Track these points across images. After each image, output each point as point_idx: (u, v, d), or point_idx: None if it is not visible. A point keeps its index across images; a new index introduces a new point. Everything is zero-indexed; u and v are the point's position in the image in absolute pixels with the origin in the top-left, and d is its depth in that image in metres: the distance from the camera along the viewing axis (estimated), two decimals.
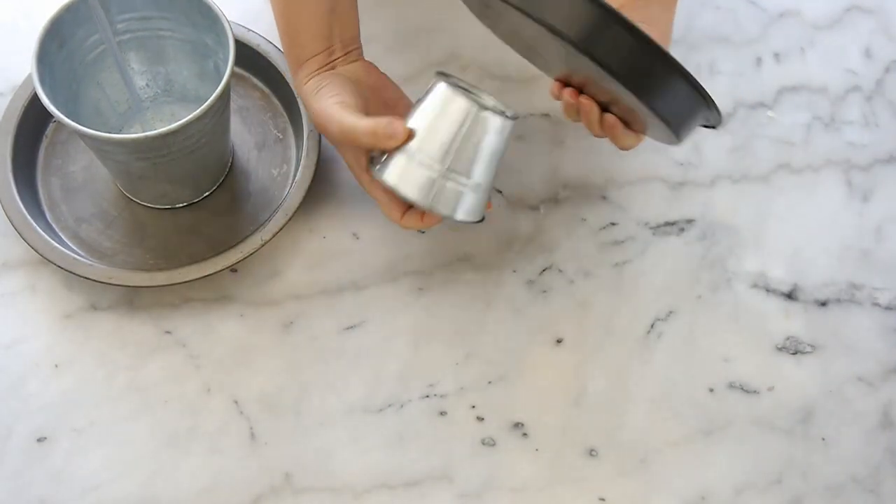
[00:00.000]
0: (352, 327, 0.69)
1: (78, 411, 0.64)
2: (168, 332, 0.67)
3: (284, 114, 0.76)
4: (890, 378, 0.70)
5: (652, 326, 0.70)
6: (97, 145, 0.63)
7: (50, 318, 0.68)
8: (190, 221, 0.71)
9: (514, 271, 0.72)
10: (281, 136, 0.75)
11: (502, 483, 0.64)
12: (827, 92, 0.83)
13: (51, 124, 0.74)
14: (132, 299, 0.68)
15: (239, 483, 0.63)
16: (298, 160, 0.72)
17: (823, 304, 0.73)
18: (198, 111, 0.60)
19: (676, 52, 0.84)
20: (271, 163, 0.74)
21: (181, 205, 0.71)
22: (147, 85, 0.72)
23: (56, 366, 0.66)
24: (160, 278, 0.66)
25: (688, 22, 0.87)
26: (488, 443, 0.65)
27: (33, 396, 0.65)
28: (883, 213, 0.77)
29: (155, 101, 0.73)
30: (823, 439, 0.67)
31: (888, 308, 0.72)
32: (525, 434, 0.66)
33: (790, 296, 0.73)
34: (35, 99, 0.68)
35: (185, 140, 0.62)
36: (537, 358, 0.69)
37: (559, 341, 0.69)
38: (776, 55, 0.85)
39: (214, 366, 0.67)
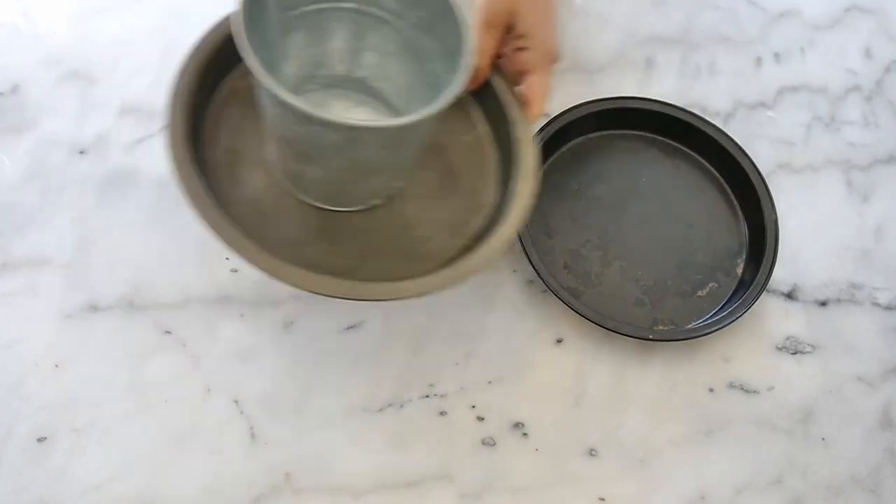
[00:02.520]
0: (352, 327, 0.69)
1: (78, 411, 0.64)
2: (168, 332, 0.67)
3: None
4: (890, 378, 0.70)
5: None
6: (304, 130, 0.52)
7: (50, 318, 0.68)
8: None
9: (514, 271, 0.72)
10: None
11: (502, 483, 0.64)
12: (827, 92, 0.83)
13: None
14: (132, 299, 0.68)
15: (239, 483, 0.63)
16: None
17: (823, 304, 0.73)
18: (435, 107, 0.52)
19: (677, 53, 0.85)
20: None
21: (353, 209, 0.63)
22: (340, 62, 0.62)
23: (56, 366, 0.66)
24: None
25: (688, 22, 0.87)
26: (488, 443, 0.65)
27: (33, 396, 0.65)
28: (883, 213, 0.77)
29: (332, 84, 0.64)
30: (823, 439, 0.67)
31: (888, 308, 0.72)
32: (525, 434, 0.66)
33: (790, 296, 0.73)
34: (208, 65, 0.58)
35: (418, 133, 0.56)
36: (537, 358, 0.69)
37: (559, 341, 0.69)
38: (776, 55, 0.85)
39: (214, 366, 0.67)
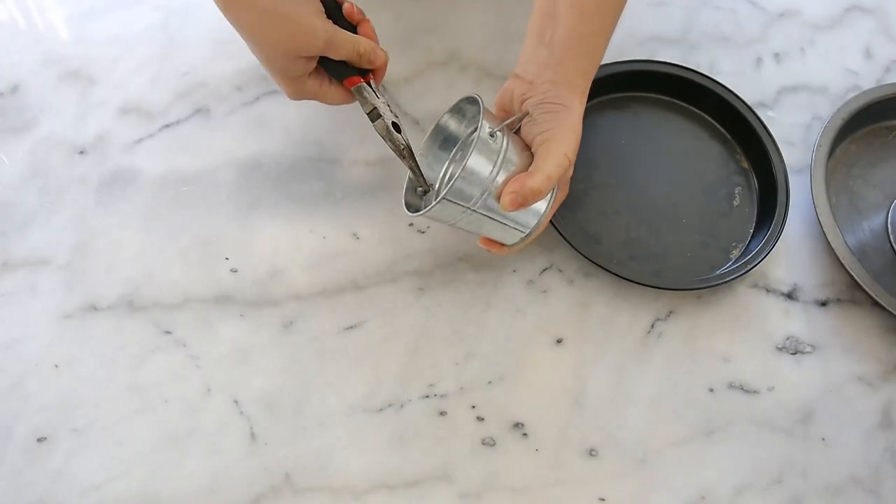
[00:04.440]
0: (352, 327, 0.69)
1: (78, 411, 0.64)
2: (168, 332, 0.67)
3: None
4: (890, 378, 0.70)
5: (652, 326, 0.70)
6: None
7: (50, 318, 0.68)
8: None
9: (514, 271, 0.72)
10: None
11: (502, 483, 0.64)
12: (827, 92, 0.83)
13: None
14: (132, 299, 0.68)
15: (239, 483, 0.63)
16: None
17: (823, 304, 0.73)
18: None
19: (677, 52, 0.85)
20: None
21: None
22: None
23: (56, 366, 0.66)
24: None
25: (688, 22, 0.87)
26: (488, 443, 0.65)
27: (33, 396, 0.65)
28: None
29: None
30: (823, 439, 0.67)
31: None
32: (525, 434, 0.66)
33: (790, 296, 0.73)
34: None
35: None
36: (537, 358, 0.69)
37: (559, 341, 0.69)
38: (776, 55, 0.85)
39: (214, 366, 0.67)
